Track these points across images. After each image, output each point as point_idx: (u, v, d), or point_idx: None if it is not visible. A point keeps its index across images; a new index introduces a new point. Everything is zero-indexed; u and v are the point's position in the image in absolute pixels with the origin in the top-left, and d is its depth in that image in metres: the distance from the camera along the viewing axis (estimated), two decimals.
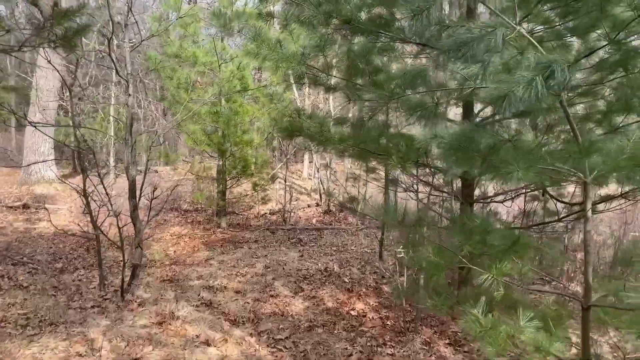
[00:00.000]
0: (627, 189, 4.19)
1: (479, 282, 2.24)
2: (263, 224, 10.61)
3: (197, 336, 4.51)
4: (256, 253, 7.88)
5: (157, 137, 8.65)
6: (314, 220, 11.09)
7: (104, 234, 5.48)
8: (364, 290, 6.21)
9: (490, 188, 6.27)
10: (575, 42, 4.65)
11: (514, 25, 2.16)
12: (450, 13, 4.16)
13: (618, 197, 4.27)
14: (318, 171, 12.84)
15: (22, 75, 16.98)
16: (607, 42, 3.64)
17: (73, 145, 6.74)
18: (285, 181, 11.77)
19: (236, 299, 5.67)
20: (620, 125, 4.22)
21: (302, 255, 7.85)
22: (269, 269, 6.92)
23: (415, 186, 5.58)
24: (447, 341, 4.76)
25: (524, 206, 5.81)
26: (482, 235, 2.60)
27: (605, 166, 2.28)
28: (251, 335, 4.72)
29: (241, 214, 11.24)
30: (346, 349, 4.53)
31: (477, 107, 4.83)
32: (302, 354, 4.40)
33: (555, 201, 4.85)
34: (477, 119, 4.74)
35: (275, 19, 5.00)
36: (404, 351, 4.51)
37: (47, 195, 10.87)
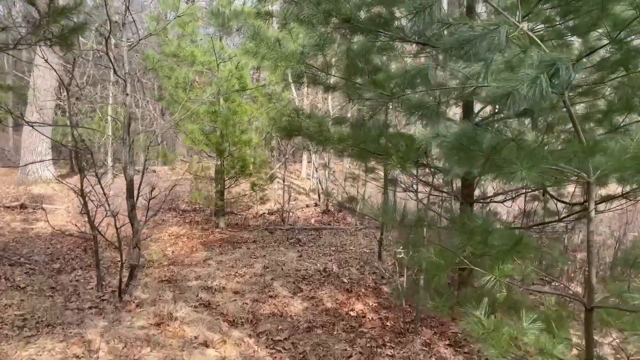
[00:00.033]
0: (627, 188, 4.17)
1: (481, 283, 2.22)
2: (261, 224, 10.57)
3: (196, 337, 4.48)
4: (255, 253, 7.84)
5: (155, 137, 8.60)
6: (312, 220, 11.06)
7: (102, 234, 5.45)
8: (363, 290, 6.18)
9: (490, 188, 6.25)
10: (575, 42, 4.64)
11: (517, 23, 2.14)
12: (450, 12, 4.14)
13: (619, 197, 4.25)
14: (317, 171, 12.81)
15: (20, 75, 16.94)
16: (608, 41, 3.63)
17: (70, 145, 6.71)
18: (284, 181, 11.74)
19: (235, 300, 5.64)
20: (621, 124, 4.20)
21: (300, 256, 7.82)
22: (267, 270, 6.88)
23: (415, 186, 5.55)
24: (447, 342, 4.73)
25: (524, 206, 5.79)
26: (484, 235, 2.58)
27: (608, 166, 2.25)
28: (250, 336, 4.69)
29: (239, 214, 11.20)
30: (346, 350, 4.50)
31: (476, 107, 4.81)
32: (301, 355, 4.38)
33: (555, 201, 4.82)
34: (477, 119, 4.72)
35: (274, 18, 4.98)
36: (404, 352, 4.48)
37: (45, 195, 10.83)
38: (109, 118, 12.90)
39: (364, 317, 5.35)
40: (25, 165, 11.23)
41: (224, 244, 8.52)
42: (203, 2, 15.51)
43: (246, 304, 5.55)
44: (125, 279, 5.47)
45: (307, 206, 12.42)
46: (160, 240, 8.49)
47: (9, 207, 9.64)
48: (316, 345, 4.57)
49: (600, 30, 3.75)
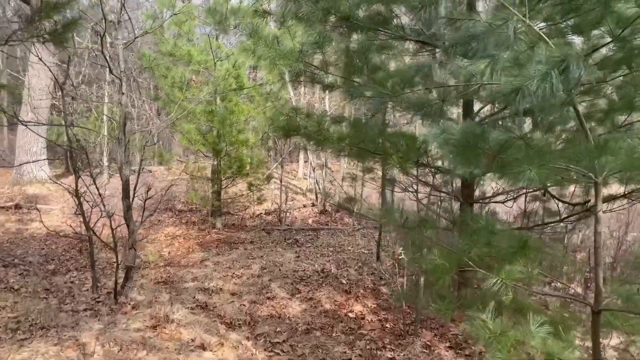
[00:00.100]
0: (630, 188, 4.12)
1: (488, 286, 2.16)
2: (259, 224, 10.50)
3: (193, 340, 4.41)
4: (252, 254, 7.77)
5: (151, 137, 8.53)
6: (310, 221, 11.00)
7: (97, 235, 5.37)
8: (361, 291, 6.12)
9: (489, 188, 6.20)
10: (576, 40, 4.59)
11: (524, 19, 2.08)
12: (451, 10, 4.08)
13: (621, 197, 4.20)
14: (314, 171, 12.75)
15: (14, 74, 16.79)
16: (611, 39, 3.58)
17: (65, 145, 6.61)
18: (281, 181, 11.67)
19: (232, 301, 5.57)
20: (623, 124, 4.16)
21: (298, 256, 7.76)
22: (265, 270, 6.82)
23: (414, 186, 5.49)
24: (447, 344, 4.67)
25: (525, 206, 5.74)
26: (488, 237, 2.52)
27: (616, 165, 2.20)
28: (248, 338, 4.62)
29: (236, 214, 11.12)
30: (345, 352, 4.43)
31: (475, 106, 4.76)
32: (300, 358, 4.31)
33: (557, 201, 4.77)
34: (476, 119, 4.66)
35: (271, 17, 4.92)
36: (404, 355, 4.42)
37: (40, 195, 10.72)
38: (105, 118, 12.81)
39: (363, 318, 5.29)
40: (20, 165, 11.12)
41: (221, 244, 8.44)
42: (199, 0, 15.42)
43: (244, 305, 5.48)
44: (120, 281, 5.39)
45: (304, 206, 12.36)
46: (157, 241, 8.40)
47: (3, 208, 9.52)
48: (315, 348, 4.51)
49: (603, 29, 3.70)
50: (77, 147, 5.80)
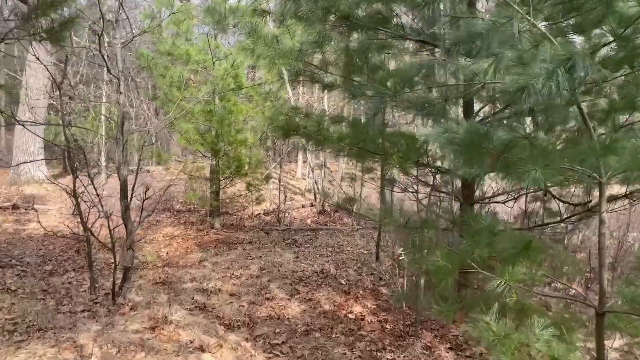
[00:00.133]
0: (631, 188, 4.10)
1: (491, 287, 2.13)
2: (257, 224, 10.46)
3: (191, 341, 4.37)
4: (250, 254, 7.74)
5: (149, 137, 8.49)
6: (308, 221, 10.96)
7: (94, 236, 5.32)
8: (361, 292, 6.09)
9: (489, 188, 6.17)
10: (577, 40, 4.56)
11: (528, 17, 2.05)
12: (452, 8, 4.05)
13: (622, 197, 4.18)
14: (312, 171, 12.71)
15: (12, 74, 16.72)
16: (613, 39, 3.56)
17: (63, 145, 6.57)
18: (279, 181, 11.64)
19: (231, 302, 5.54)
20: (624, 124, 4.14)
21: (297, 257, 7.72)
22: (263, 271, 6.78)
23: (415, 186, 5.46)
24: (448, 345, 4.64)
25: (525, 207, 5.71)
26: (490, 237, 2.49)
27: (621, 165, 2.17)
28: (247, 340, 4.59)
29: (235, 215, 11.09)
30: (345, 354, 4.40)
31: (476, 106, 4.73)
32: None
33: (558, 202, 4.75)
34: (476, 118, 4.64)
35: (269, 17, 4.89)
36: (404, 356, 4.39)
37: (37, 195, 10.66)
38: (103, 117, 12.75)
39: (362, 319, 5.26)
40: (17, 165, 11.07)
41: (219, 244, 8.41)
42: (198, 0, 15.37)
43: (242, 306, 5.44)
44: (118, 281, 5.36)
45: (303, 206, 12.32)
46: (155, 241, 8.36)
47: (0, 208, 9.48)
48: (315, 349, 4.47)
49: (605, 28, 3.68)
50: (75, 147, 5.77)
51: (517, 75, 1.66)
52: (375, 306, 5.64)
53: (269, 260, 7.33)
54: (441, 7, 2.02)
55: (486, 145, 1.98)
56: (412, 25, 4.56)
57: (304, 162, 15.97)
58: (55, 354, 3.91)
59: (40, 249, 7.34)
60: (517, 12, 1.93)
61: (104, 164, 12.97)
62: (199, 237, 8.87)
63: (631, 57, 3.67)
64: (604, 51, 3.98)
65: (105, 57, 5.53)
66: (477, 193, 5.35)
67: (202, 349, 4.25)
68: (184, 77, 8.94)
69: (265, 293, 5.89)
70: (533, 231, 5.04)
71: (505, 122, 4.50)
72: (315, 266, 7.17)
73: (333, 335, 4.80)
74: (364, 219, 9.50)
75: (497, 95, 2.95)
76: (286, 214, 10.88)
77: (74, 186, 5.16)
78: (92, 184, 5.19)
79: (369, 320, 5.23)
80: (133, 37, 6.10)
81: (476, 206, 5.39)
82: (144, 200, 5.50)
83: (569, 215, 4.66)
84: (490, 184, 6.02)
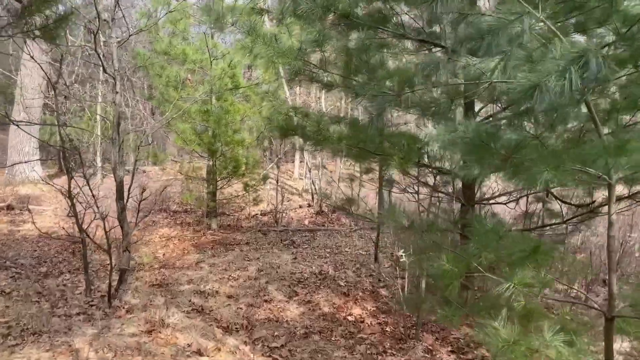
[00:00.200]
0: (635, 189, 4.06)
1: (499, 291, 2.07)
2: (254, 225, 10.39)
3: (189, 345, 4.30)
4: (248, 255, 7.67)
5: (146, 137, 8.42)
6: (306, 222, 10.90)
7: (90, 237, 5.25)
8: (360, 294, 6.03)
9: (489, 189, 6.13)
10: (578, 39, 4.52)
11: (537, 14, 2.00)
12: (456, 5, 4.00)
13: (626, 198, 4.14)
14: (310, 171, 12.65)
15: (6, 73, 16.57)
16: (617, 38, 3.51)
17: (58, 145, 6.49)
18: (277, 182, 11.56)
19: (229, 305, 5.47)
20: (627, 124, 4.10)
21: (295, 258, 7.66)
22: (262, 273, 6.71)
23: (414, 187, 5.41)
24: (449, 348, 4.59)
25: (526, 208, 5.67)
26: (496, 240, 2.44)
27: (630, 166, 2.12)
28: (245, 343, 4.52)
29: (232, 215, 11.01)
30: (345, 357, 4.34)
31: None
32: None
33: (560, 203, 4.70)
34: (478, 118, 4.59)
35: (267, 17, 4.83)
36: (405, 359, 4.33)
37: (32, 196, 10.55)
38: (98, 117, 12.65)
39: (362, 322, 5.20)
40: (12, 165, 10.96)
41: (217, 245, 8.33)
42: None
43: (240, 308, 5.37)
44: (114, 283, 5.28)
45: (301, 207, 12.25)
46: (151, 243, 8.28)
47: None
48: (314, 353, 4.41)
49: (610, 26, 3.63)
50: (70, 147, 5.69)
51: (532, 72, 1.60)
52: (375, 308, 5.58)
53: (267, 262, 7.26)
54: (445, 3, 1.95)
55: (495, 146, 1.92)
56: (412, 25, 4.51)
57: (301, 162, 15.90)
58: (50, 358, 3.84)
59: (35, 251, 7.24)
60: (527, 8, 1.87)
61: (99, 164, 12.86)
62: (195, 238, 8.79)
63: (635, 56, 3.63)
64: (604, 51, 3.95)
65: (101, 56, 5.45)
66: (477, 194, 5.30)
67: (200, 353, 4.19)
68: (181, 76, 8.86)
69: (264, 295, 5.82)
70: (533, 232, 5.00)
71: (507, 121, 4.45)
72: (314, 267, 7.11)
73: (333, 338, 4.74)
74: (363, 220, 9.44)
75: (504, 95, 2.89)
76: (284, 215, 10.81)
77: (69, 187, 5.08)
78: (88, 184, 5.12)
79: (369, 323, 5.17)
80: (129, 36, 6.02)
81: (476, 207, 5.35)
82: (140, 201, 5.43)
83: (571, 216, 4.61)
84: (490, 185, 5.98)
